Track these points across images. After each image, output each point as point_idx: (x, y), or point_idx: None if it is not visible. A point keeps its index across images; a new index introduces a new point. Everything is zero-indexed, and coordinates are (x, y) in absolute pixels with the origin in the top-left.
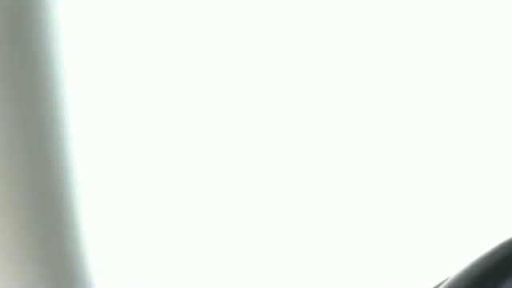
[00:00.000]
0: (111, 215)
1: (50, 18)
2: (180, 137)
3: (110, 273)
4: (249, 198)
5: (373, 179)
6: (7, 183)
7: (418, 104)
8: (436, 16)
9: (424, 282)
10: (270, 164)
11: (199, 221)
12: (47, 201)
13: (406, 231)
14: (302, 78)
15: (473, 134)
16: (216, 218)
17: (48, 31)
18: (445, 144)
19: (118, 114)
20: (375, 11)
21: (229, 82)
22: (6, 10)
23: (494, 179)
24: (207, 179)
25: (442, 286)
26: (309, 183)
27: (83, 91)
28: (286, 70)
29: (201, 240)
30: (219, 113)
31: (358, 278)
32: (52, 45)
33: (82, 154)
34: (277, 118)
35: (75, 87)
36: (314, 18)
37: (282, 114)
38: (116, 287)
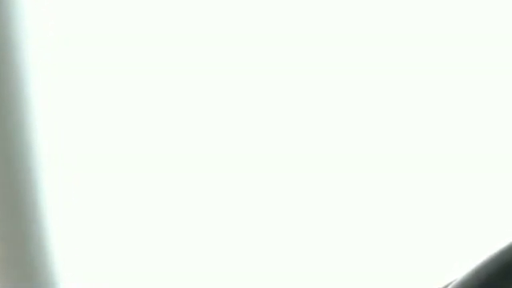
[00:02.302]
0: (77, 217)
1: (18, 17)
2: (148, 133)
3: (75, 274)
4: (227, 199)
5: (378, 181)
6: None
7: (418, 105)
8: (436, 16)
9: (430, 284)
10: (270, 164)
11: (171, 221)
12: (13, 202)
13: (413, 233)
14: (302, 78)
15: (476, 135)
16: (185, 218)
17: (15, 30)
18: (450, 145)
19: (87, 113)
20: (375, 11)
21: (225, 81)
22: None
23: (502, 180)
24: (172, 175)
25: (450, 287)
26: (309, 184)
27: (53, 90)
28: (285, 71)
29: (171, 240)
30: (195, 112)
31: (364, 279)
32: (21, 42)
33: (49, 153)
34: (276, 119)
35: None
36: (314, 18)
37: (281, 114)
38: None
